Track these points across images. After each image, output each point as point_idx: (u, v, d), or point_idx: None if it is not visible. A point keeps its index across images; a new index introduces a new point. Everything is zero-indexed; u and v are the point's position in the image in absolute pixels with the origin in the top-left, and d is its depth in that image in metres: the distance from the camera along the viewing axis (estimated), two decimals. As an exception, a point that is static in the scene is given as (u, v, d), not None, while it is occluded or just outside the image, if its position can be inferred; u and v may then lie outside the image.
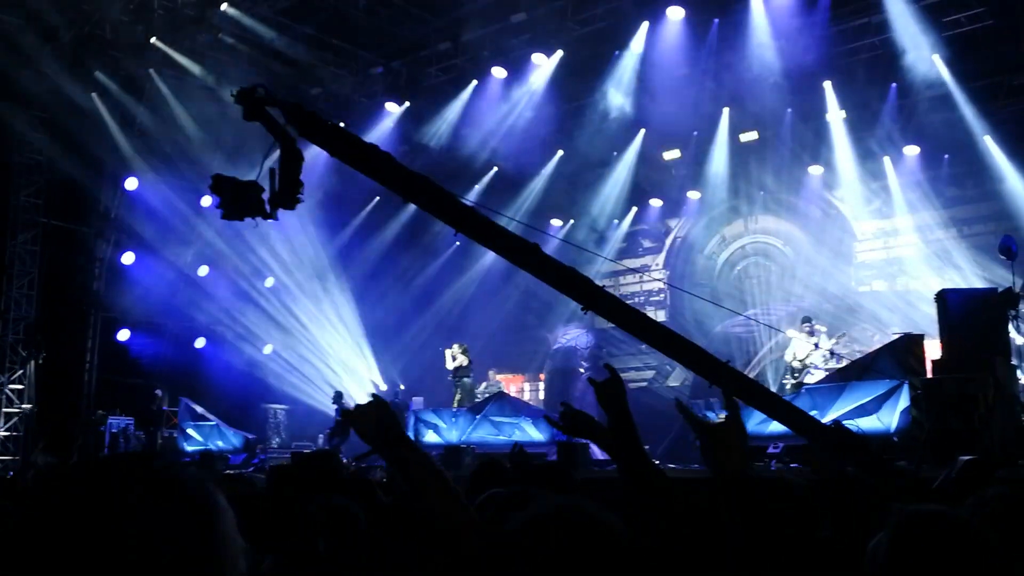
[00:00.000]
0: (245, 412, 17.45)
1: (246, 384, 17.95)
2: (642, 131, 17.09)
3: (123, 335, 17.61)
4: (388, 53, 16.46)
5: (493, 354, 18.36)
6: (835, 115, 15.26)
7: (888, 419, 9.54)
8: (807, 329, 13.48)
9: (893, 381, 9.60)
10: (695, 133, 16.94)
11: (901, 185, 15.78)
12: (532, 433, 12.60)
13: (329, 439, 14.89)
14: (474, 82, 16.56)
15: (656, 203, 19.34)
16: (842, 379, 10.68)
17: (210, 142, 16.07)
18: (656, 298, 19.61)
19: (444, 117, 17.15)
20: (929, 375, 9.27)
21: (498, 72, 16.16)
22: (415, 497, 1.97)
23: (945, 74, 13.63)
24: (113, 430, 15.24)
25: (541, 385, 20.27)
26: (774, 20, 13.84)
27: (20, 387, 16.04)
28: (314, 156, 5.11)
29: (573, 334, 19.70)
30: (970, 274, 14.53)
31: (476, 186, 18.97)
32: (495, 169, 18.78)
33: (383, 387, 17.37)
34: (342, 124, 17.75)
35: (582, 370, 18.65)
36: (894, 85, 14.36)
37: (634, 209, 19.37)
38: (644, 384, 18.50)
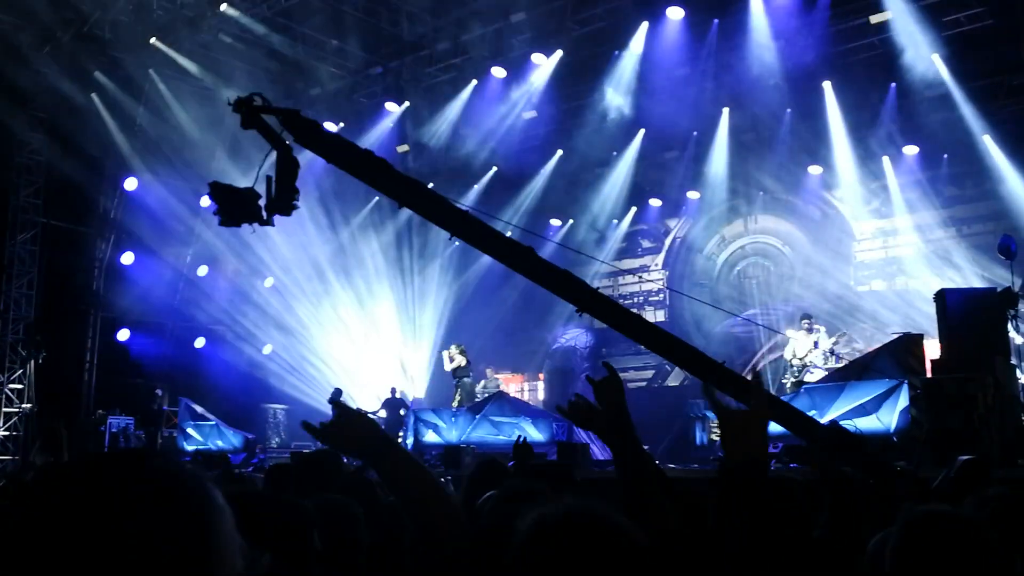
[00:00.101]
0: (245, 412, 17.45)
1: (246, 384, 17.96)
2: (642, 131, 17.08)
3: (123, 335, 17.61)
4: (388, 53, 16.46)
5: (492, 354, 18.35)
6: (834, 115, 15.26)
7: (887, 419, 9.54)
8: (806, 326, 13.48)
9: (892, 381, 9.59)
10: (695, 133, 16.93)
11: (900, 185, 15.78)
12: (532, 433, 12.59)
13: None
14: (473, 82, 16.55)
15: (656, 203, 19.34)
16: (841, 379, 10.68)
17: (209, 142, 16.07)
18: (655, 298, 19.61)
19: (444, 117, 17.14)
20: (928, 375, 9.27)
21: (498, 72, 16.15)
22: (403, 505, 1.93)
23: (944, 74, 13.62)
24: (113, 430, 15.23)
25: (541, 385, 20.27)
26: (774, 20, 13.84)
27: (20, 387, 16.03)
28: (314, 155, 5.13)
29: (572, 334, 19.71)
30: (969, 274, 14.53)
31: (476, 186, 18.98)
32: (494, 169, 18.79)
33: (382, 388, 17.33)
34: (341, 124, 17.91)
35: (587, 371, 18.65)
36: (893, 85, 14.36)
37: (633, 209, 19.37)
38: (644, 384, 18.50)
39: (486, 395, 15.10)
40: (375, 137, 17.88)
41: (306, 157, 4.73)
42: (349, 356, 18.96)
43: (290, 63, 16.06)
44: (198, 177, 16.29)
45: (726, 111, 16.27)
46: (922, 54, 13.39)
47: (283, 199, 4.62)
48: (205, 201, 15.75)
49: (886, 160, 15.71)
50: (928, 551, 1.77)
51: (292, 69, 16.27)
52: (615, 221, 19.60)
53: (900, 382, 9.50)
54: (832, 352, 13.14)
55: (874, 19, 13.42)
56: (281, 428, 18.21)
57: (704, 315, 17.09)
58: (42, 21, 14.26)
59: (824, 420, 9.18)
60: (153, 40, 15.28)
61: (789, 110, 15.54)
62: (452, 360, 15.54)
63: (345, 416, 1.89)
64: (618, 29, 14.87)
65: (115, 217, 17.30)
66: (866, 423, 9.53)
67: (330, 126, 17.87)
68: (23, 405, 15.91)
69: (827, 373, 12.38)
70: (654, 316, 19.36)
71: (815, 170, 16.63)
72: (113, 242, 17.40)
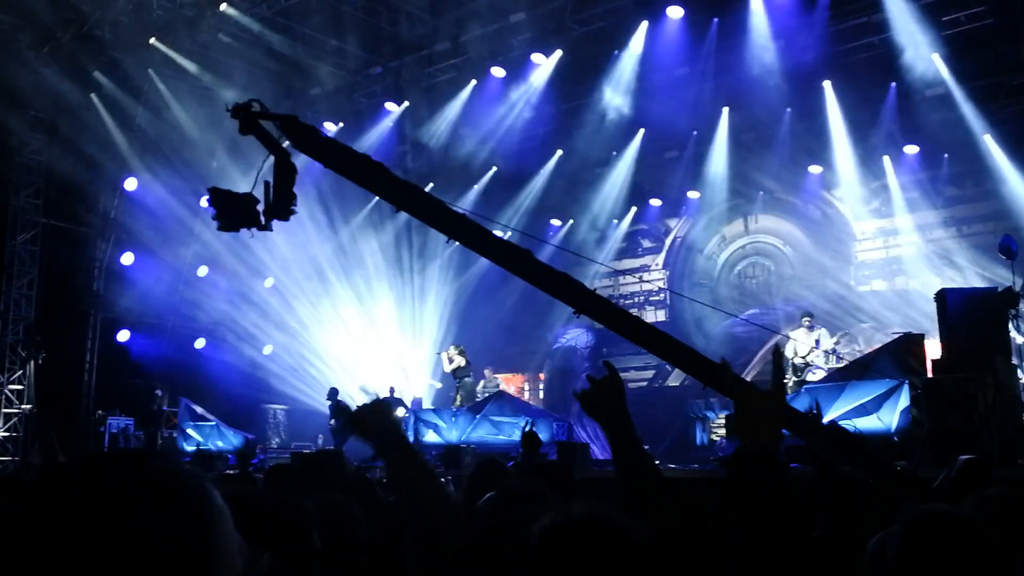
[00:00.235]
0: (245, 412, 17.44)
1: (246, 384, 17.95)
2: (641, 131, 17.08)
3: (123, 335, 17.61)
4: (387, 53, 16.46)
5: (493, 354, 18.35)
6: (834, 115, 15.26)
7: (888, 419, 9.53)
8: (807, 324, 13.48)
9: (893, 381, 9.58)
10: (695, 133, 16.94)
11: (901, 184, 15.78)
12: (532, 433, 12.58)
13: (337, 433, 14.86)
14: (473, 82, 16.56)
15: (656, 203, 19.34)
16: (842, 378, 10.67)
17: (209, 142, 16.07)
18: (656, 298, 19.61)
19: (443, 117, 17.15)
20: (929, 375, 9.26)
21: (497, 72, 16.16)
22: (407, 499, 2.02)
23: (945, 73, 13.63)
24: (113, 430, 15.23)
25: (541, 385, 20.27)
26: (774, 19, 13.85)
27: (20, 387, 16.03)
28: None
29: (573, 334, 19.70)
30: (970, 273, 14.53)
31: (475, 186, 18.98)
32: (494, 169, 18.79)
33: (380, 387, 17.32)
34: (341, 124, 17.89)
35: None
36: (893, 84, 14.36)
37: (634, 209, 19.37)
38: (644, 384, 18.49)
39: (486, 395, 15.10)
40: (375, 137, 17.89)
41: (306, 157, 4.75)
42: (349, 356, 18.95)
43: (290, 63, 16.06)
44: (198, 177, 16.30)
45: (726, 111, 16.28)
46: (922, 54, 13.39)
47: (281, 204, 4.66)
48: (205, 201, 15.78)
49: (886, 160, 15.71)
50: (930, 551, 1.77)
51: (292, 69, 16.27)
52: (615, 221, 19.60)
53: (901, 382, 9.49)
54: (833, 352, 13.14)
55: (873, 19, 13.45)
56: (281, 428, 18.20)
57: (704, 315, 17.09)
58: (42, 21, 14.26)
59: (824, 420, 9.17)
60: (153, 40, 15.29)
61: (789, 110, 15.55)
62: (451, 361, 15.55)
63: (377, 403, 2.11)
64: (618, 29, 14.88)
65: (115, 217, 17.30)
66: (867, 423, 9.52)
67: (330, 126, 17.92)
68: (23, 406, 15.92)
69: (828, 372, 12.38)
70: (654, 316, 19.36)
71: (815, 170, 16.63)
72: (113, 242, 17.40)
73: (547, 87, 16.06)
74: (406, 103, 17.35)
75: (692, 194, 18.41)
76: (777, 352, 1.93)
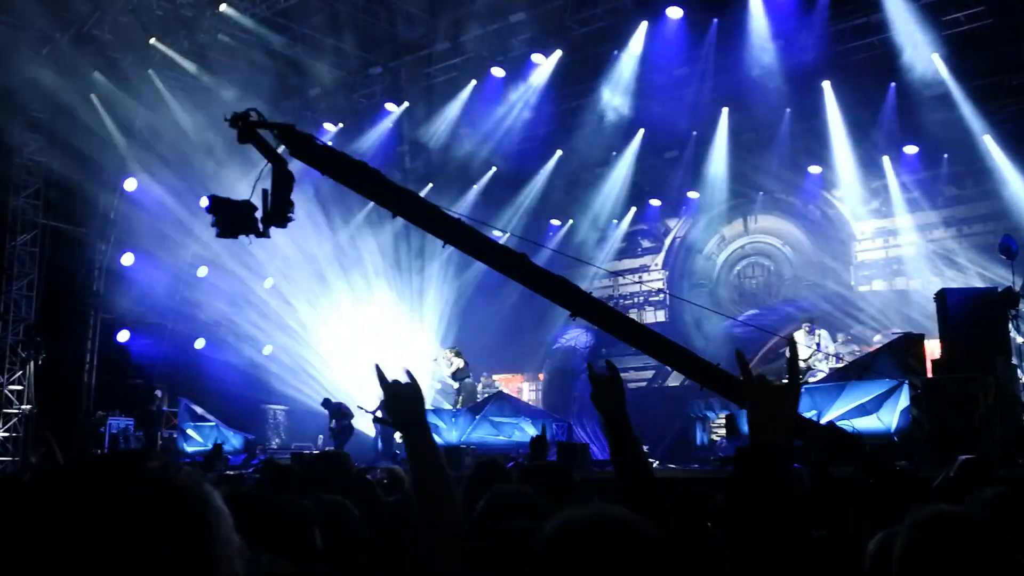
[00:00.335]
0: (245, 413, 17.44)
1: (246, 385, 17.95)
2: (641, 131, 17.08)
3: (123, 336, 17.60)
4: (387, 53, 16.46)
5: (492, 354, 18.35)
6: (834, 115, 15.26)
7: (888, 419, 9.53)
8: (807, 328, 13.49)
9: (893, 381, 9.59)
10: (694, 133, 16.93)
11: (900, 184, 15.78)
12: (532, 433, 12.58)
13: (336, 434, 14.89)
14: (473, 82, 16.55)
15: (655, 203, 19.34)
16: (842, 379, 10.67)
17: (209, 142, 16.06)
18: (655, 298, 19.60)
19: (443, 117, 17.14)
20: (929, 375, 9.26)
21: (497, 72, 16.16)
22: (416, 486, 2.07)
23: (944, 73, 13.62)
24: (113, 431, 15.24)
25: (541, 385, 20.26)
26: (773, 20, 13.85)
27: (20, 388, 16.03)
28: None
29: (573, 334, 19.69)
30: (970, 274, 14.53)
31: (475, 186, 18.98)
32: (494, 169, 18.79)
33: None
34: (341, 125, 17.87)
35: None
36: (893, 84, 14.36)
37: (633, 209, 19.37)
38: (644, 384, 18.50)
39: (486, 395, 15.12)
40: (374, 138, 17.89)
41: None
42: (349, 356, 18.94)
43: (289, 63, 16.06)
44: (197, 177, 16.29)
45: (725, 111, 16.28)
46: (922, 54, 13.39)
47: (279, 212, 4.75)
48: (205, 201, 15.77)
49: (886, 160, 15.71)
50: (936, 552, 1.76)
51: (291, 69, 16.26)
52: (615, 221, 19.60)
53: (901, 382, 9.50)
54: (835, 355, 13.14)
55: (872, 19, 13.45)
56: (281, 429, 18.20)
57: (704, 315, 17.09)
58: (41, 21, 14.25)
59: (824, 420, 9.18)
60: (152, 40, 15.29)
61: (789, 110, 15.55)
62: (451, 364, 15.56)
63: (414, 384, 2.15)
64: (617, 29, 14.88)
65: (115, 218, 17.29)
66: (867, 423, 9.53)
67: (329, 127, 17.91)
68: (23, 406, 15.91)
69: (828, 373, 12.39)
70: (654, 316, 19.37)
71: (815, 170, 16.63)
72: (113, 243, 17.39)
73: (547, 87, 16.06)
74: (406, 103, 17.34)
75: (692, 194, 18.41)
76: (792, 343, 1.90)
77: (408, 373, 2.22)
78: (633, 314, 19.39)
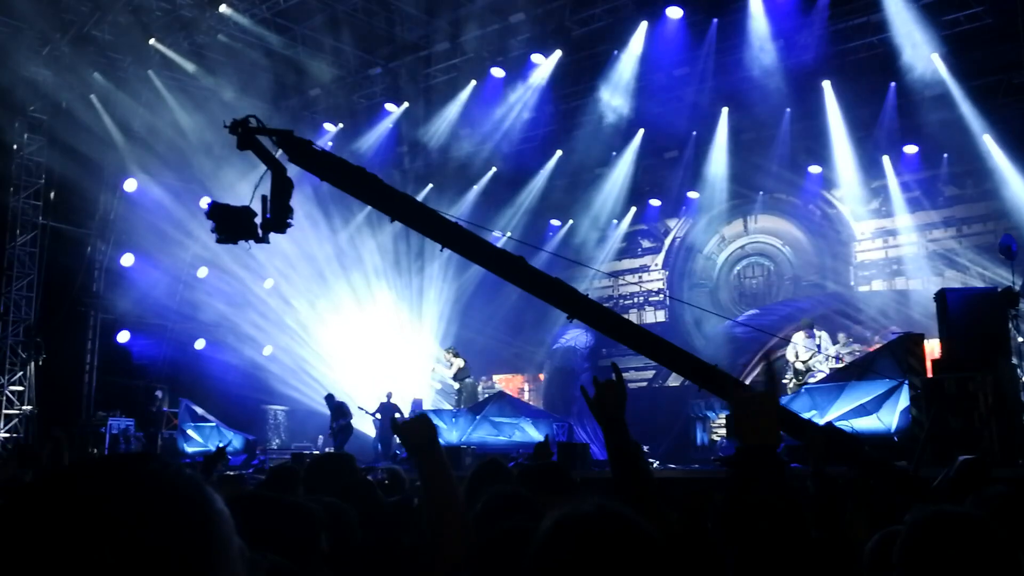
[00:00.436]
0: (245, 413, 17.44)
1: (246, 385, 17.95)
2: (641, 131, 17.09)
3: (123, 337, 17.60)
4: (387, 54, 16.46)
5: (492, 354, 18.35)
6: (834, 115, 15.27)
7: (888, 419, 9.54)
8: (808, 329, 13.49)
9: (893, 381, 9.59)
10: (694, 133, 16.94)
11: (901, 184, 15.79)
12: (532, 433, 12.60)
13: (336, 434, 14.90)
14: (473, 82, 16.56)
15: (655, 203, 19.34)
16: (842, 379, 10.68)
17: (208, 143, 16.06)
18: (656, 298, 19.61)
19: (443, 117, 17.15)
20: (929, 375, 9.26)
21: (497, 72, 16.16)
22: (428, 502, 2.21)
23: (944, 73, 13.63)
24: (113, 432, 15.23)
25: (541, 385, 20.26)
26: (773, 20, 13.85)
27: (20, 389, 16.03)
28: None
29: (572, 334, 19.70)
30: (970, 273, 14.53)
31: (475, 186, 18.98)
32: (494, 169, 18.79)
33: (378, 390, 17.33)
34: (340, 125, 17.85)
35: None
36: (893, 84, 14.37)
37: (633, 209, 19.37)
38: (644, 384, 18.50)
39: (486, 396, 15.12)
40: (374, 138, 17.90)
41: (305, 158, 4.80)
42: (349, 357, 18.95)
43: (289, 64, 16.06)
44: (197, 178, 16.30)
45: (725, 111, 16.28)
46: (921, 54, 13.40)
47: (278, 218, 4.81)
48: (205, 201, 15.77)
49: (886, 160, 15.71)
50: (936, 551, 1.77)
51: (291, 70, 16.27)
52: (615, 221, 19.60)
53: (900, 382, 9.50)
54: (835, 357, 13.13)
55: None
56: (281, 429, 18.20)
57: (704, 316, 17.10)
58: (41, 22, 14.26)
59: (824, 420, 9.18)
60: (152, 41, 15.29)
61: (789, 110, 15.55)
62: (451, 364, 15.57)
63: (422, 418, 2.37)
64: (617, 29, 14.88)
65: (115, 219, 17.29)
66: (867, 423, 9.53)
67: (329, 127, 17.91)
68: (23, 407, 15.91)
69: (828, 373, 12.38)
70: (654, 316, 19.38)
71: (815, 170, 16.63)
72: (113, 243, 17.39)
73: (547, 87, 16.07)
74: (405, 104, 17.35)
75: (692, 194, 18.42)
76: (768, 361, 2.02)
77: (418, 403, 2.38)
78: (633, 314, 19.40)
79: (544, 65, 15.69)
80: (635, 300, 19.78)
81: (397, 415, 14.10)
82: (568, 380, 18.67)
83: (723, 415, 13.17)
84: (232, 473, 11.36)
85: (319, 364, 18.72)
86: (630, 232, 19.99)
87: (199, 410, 16.17)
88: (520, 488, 2.73)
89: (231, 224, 4.78)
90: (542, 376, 20.30)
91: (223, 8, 14.57)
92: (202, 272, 18.32)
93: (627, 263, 20.15)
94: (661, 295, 19.38)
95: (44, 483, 0.89)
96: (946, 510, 1.89)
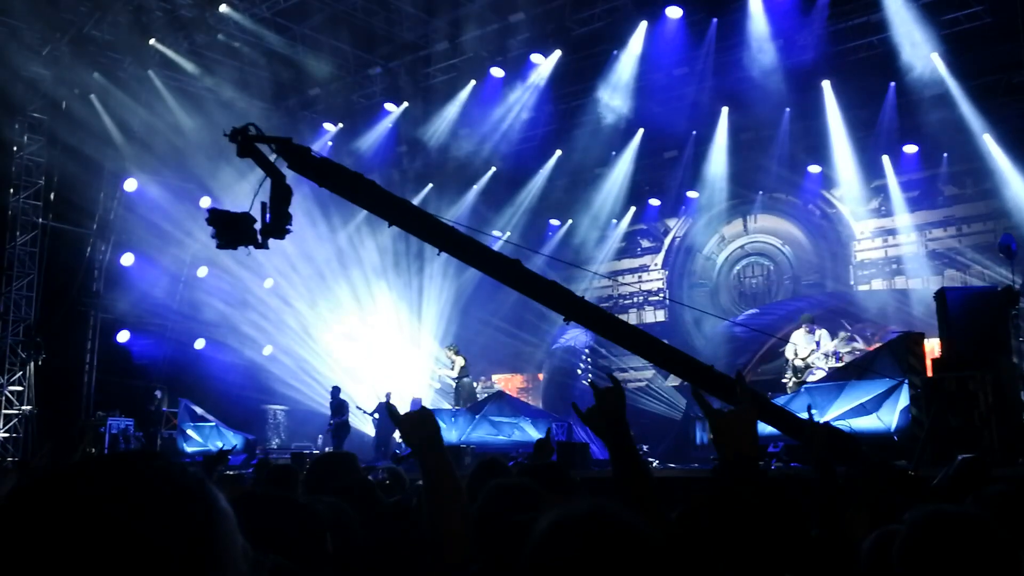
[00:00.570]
0: (245, 413, 17.44)
1: (246, 385, 17.95)
2: (641, 131, 17.09)
3: (123, 336, 17.61)
4: (386, 54, 16.46)
5: (492, 354, 18.34)
6: (834, 114, 15.27)
7: (888, 418, 9.54)
8: (807, 326, 13.48)
9: (893, 380, 9.60)
10: (694, 133, 16.94)
11: (900, 184, 15.79)
12: (531, 433, 12.59)
13: (336, 433, 14.89)
14: (472, 82, 16.56)
15: (655, 203, 19.34)
16: (841, 378, 10.68)
17: (208, 143, 16.06)
18: (655, 298, 19.60)
19: (443, 117, 17.15)
20: (929, 374, 9.26)
21: (496, 72, 16.16)
22: (428, 501, 2.18)
23: (944, 72, 13.63)
24: (113, 431, 15.22)
25: (540, 385, 20.26)
26: (773, 19, 13.85)
27: (20, 388, 16.03)
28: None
29: (572, 334, 19.69)
30: (970, 273, 14.53)
31: (475, 186, 18.97)
32: (493, 169, 18.79)
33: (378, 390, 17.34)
34: (340, 125, 17.84)
35: (579, 371, 18.65)
36: (893, 84, 14.36)
37: (633, 209, 19.36)
38: (644, 384, 18.50)
39: (485, 395, 15.12)
40: (374, 138, 17.90)
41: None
42: (349, 357, 18.95)
43: (289, 64, 16.06)
44: (197, 178, 16.30)
45: (725, 111, 16.28)
46: (921, 53, 13.40)
47: (277, 224, 4.88)
48: (205, 201, 15.79)
49: (886, 159, 15.71)
50: (935, 551, 1.77)
51: (290, 70, 16.27)
52: (615, 221, 19.60)
53: (900, 381, 9.51)
54: (834, 354, 13.13)
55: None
56: (281, 429, 18.19)
57: (703, 315, 17.10)
58: (41, 22, 14.26)
59: (824, 420, 9.18)
60: (152, 41, 15.29)
61: (788, 109, 15.55)
62: (453, 363, 15.57)
63: (424, 412, 2.31)
64: (617, 29, 14.88)
65: (114, 218, 17.29)
66: (867, 422, 9.54)
67: (329, 127, 17.91)
68: (23, 407, 15.91)
69: (828, 373, 12.38)
70: (654, 316, 19.37)
71: (815, 170, 16.64)
72: (113, 243, 17.39)
73: (546, 87, 16.07)
74: (405, 103, 17.34)
75: (691, 194, 18.41)
76: (740, 377, 2.18)
77: (417, 402, 2.33)
78: (633, 314, 19.40)
79: (544, 65, 15.69)
80: (635, 300, 19.77)
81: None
82: (567, 380, 18.68)
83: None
84: (232, 473, 11.37)
85: (319, 364, 18.73)
86: (630, 232, 19.98)
87: (199, 410, 16.17)
88: (523, 479, 2.72)
89: (231, 230, 4.85)
90: (541, 376, 20.30)
91: (223, 8, 14.57)
92: (202, 272, 18.33)
93: (627, 263, 20.14)
94: (661, 295, 19.37)
95: (48, 481, 0.89)
96: (946, 509, 1.89)
